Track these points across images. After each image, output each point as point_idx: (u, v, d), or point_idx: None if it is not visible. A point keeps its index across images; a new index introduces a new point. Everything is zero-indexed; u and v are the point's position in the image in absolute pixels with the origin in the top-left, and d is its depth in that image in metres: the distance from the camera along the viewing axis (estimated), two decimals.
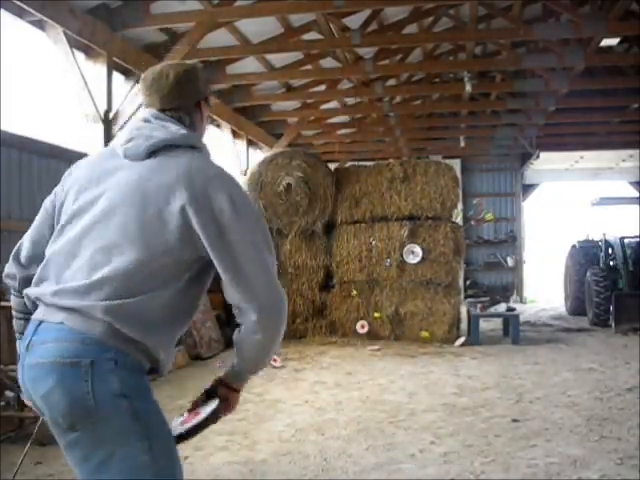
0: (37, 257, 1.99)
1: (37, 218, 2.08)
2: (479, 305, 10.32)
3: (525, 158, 17.20)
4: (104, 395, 1.75)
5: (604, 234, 12.81)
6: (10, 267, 2.07)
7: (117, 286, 1.81)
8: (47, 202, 2.08)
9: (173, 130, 1.95)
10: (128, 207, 1.86)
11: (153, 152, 1.91)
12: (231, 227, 1.84)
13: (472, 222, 17.51)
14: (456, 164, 15.33)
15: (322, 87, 12.72)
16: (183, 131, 1.96)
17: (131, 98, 8.26)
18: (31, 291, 1.92)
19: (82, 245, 1.87)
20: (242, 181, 10.63)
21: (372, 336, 9.81)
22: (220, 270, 1.87)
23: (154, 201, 1.84)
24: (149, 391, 1.87)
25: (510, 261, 18.13)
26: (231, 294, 1.88)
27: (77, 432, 1.78)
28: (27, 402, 1.93)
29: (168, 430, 1.89)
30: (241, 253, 1.84)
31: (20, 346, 1.92)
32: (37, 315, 1.88)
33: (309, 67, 11.48)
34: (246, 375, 2.03)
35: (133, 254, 1.83)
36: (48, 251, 1.94)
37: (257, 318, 1.86)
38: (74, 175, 2.03)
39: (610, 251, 12.59)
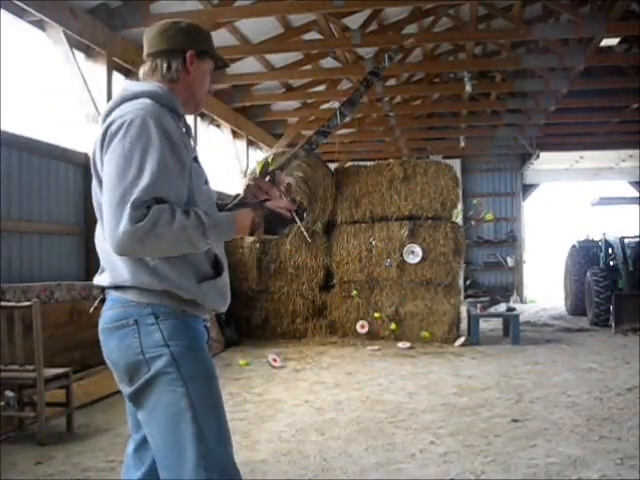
0: None
1: None
2: (479, 305, 10.31)
3: (525, 158, 17.21)
4: (150, 347, 1.95)
5: (604, 234, 12.80)
6: None
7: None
8: None
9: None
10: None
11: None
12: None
13: (472, 222, 17.52)
14: (456, 164, 15.35)
15: (322, 87, 12.73)
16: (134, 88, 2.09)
17: None
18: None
19: None
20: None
21: (372, 336, 9.80)
22: None
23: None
24: (196, 338, 2.02)
25: (510, 261, 18.13)
26: None
27: (136, 384, 1.99)
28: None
29: (210, 379, 2.02)
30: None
31: None
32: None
33: (309, 67, 11.49)
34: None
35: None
36: None
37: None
38: None
39: (610, 251, 12.58)
